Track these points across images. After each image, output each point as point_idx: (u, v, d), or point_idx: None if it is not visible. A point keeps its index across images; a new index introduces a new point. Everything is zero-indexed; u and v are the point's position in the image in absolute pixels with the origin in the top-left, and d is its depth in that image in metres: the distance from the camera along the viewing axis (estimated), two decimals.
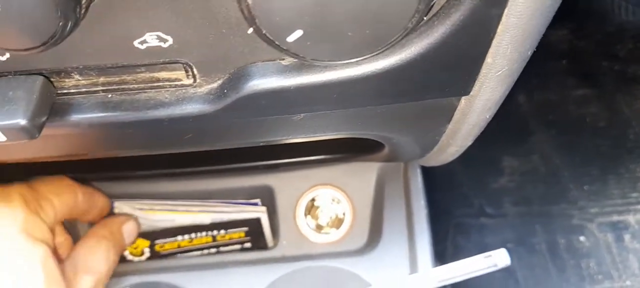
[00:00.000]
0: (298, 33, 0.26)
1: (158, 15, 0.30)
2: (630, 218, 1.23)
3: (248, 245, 0.67)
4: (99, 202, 0.62)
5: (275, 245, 0.66)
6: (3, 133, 0.32)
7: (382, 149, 0.51)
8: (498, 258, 0.55)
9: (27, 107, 0.32)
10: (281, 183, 0.66)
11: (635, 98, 1.28)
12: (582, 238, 1.22)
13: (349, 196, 0.66)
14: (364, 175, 0.66)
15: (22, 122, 0.31)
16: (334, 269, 0.63)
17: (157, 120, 0.35)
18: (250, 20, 0.26)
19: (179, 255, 0.67)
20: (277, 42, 0.27)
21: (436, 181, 1.24)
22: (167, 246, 0.66)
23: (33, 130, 0.32)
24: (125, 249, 0.64)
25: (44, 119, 0.33)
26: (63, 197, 0.55)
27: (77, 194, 0.57)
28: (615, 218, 1.23)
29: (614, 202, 1.24)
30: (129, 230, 0.62)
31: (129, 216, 0.64)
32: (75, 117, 0.35)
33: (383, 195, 0.65)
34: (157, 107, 0.35)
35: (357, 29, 0.26)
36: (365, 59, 0.30)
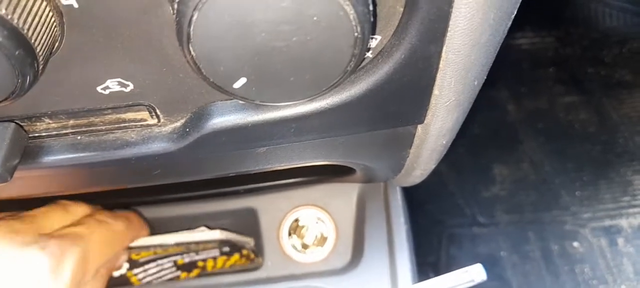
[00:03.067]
0: (242, 80, 0.28)
1: (117, 63, 0.31)
2: (623, 222, 1.23)
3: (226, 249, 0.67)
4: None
5: (260, 265, 0.67)
6: None
7: (355, 172, 0.53)
8: (475, 274, 0.56)
9: None
10: (264, 205, 0.68)
11: (622, 102, 1.29)
12: (575, 244, 1.22)
13: (331, 215, 0.68)
14: (345, 195, 0.67)
15: None
16: None
17: (125, 159, 0.37)
18: (196, 70, 0.27)
19: (162, 277, 0.68)
20: (224, 89, 0.28)
21: (429, 192, 1.25)
22: (143, 254, 0.66)
23: (4, 175, 0.33)
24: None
25: (15, 162, 0.35)
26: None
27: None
28: (608, 222, 1.23)
29: (606, 206, 1.24)
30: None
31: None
32: (47, 159, 0.37)
33: (364, 214, 0.66)
34: (124, 146, 0.37)
35: (297, 75, 0.28)
36: (312, 98, 0.31)
